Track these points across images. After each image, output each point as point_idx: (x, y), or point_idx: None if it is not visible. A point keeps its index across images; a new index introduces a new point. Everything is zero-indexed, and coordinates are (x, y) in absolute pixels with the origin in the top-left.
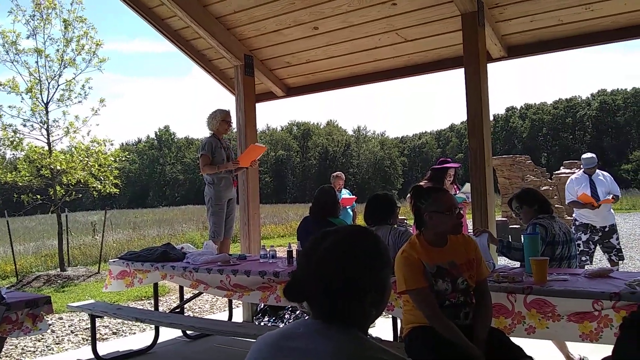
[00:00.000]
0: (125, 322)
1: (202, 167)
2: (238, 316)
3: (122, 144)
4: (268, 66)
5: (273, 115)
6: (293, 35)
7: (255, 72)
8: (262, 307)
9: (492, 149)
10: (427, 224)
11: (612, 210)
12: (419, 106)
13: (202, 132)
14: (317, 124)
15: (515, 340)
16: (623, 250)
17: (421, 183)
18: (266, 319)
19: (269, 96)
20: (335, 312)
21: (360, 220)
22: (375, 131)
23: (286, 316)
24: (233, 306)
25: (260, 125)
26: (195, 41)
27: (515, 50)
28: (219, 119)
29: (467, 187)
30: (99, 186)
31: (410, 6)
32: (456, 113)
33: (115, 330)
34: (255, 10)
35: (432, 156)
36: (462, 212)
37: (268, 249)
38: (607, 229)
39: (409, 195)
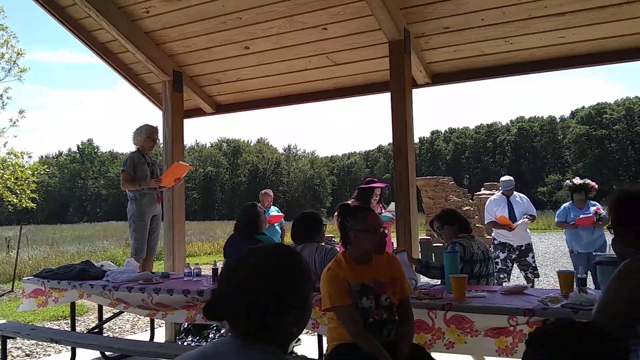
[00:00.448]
0: (40, 343)
1: (123, 183)
2: (160, 336)
3: (42, 156)
4: (197, 83)
5: (203, 131)
6: (224, 54)
7: (184, 88)
8: (185, 326)
9: (418, 170)
10: (353, 242)
11: (528, 230)
12: (349, 127)
13: (127, 146)
14: (248, 141)
15: (436, 355)
16: (538, 268)
17: (349, 202)
18: (190, 338)
19: (198, 112)
20: (257, 330)
21: (288, 238)
22: (306, 150)
23: (210, 335)
24: (155, 326)
25: (189, 141)
26: (123, 55)
27: (439, 78)
28: (144, 135)
29: (392, 206)
30: (15, 200)
31: (340, 31)
32: (384, 135)
33: (28, 352)
34: (186, 27)
35: (361, 176)
36: (386, 231)
37: (192, 267)
38: (523, 248)
39: (335, 213)
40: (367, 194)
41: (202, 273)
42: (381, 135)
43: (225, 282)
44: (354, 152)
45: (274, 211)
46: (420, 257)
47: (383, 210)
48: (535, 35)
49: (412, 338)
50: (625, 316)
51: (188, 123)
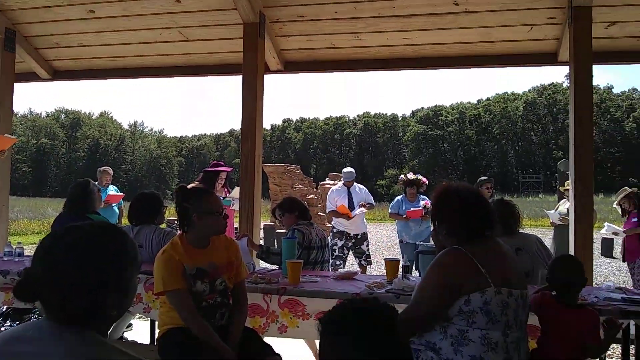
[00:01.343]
0: None
1: None
2: None
3: None
4: (33, 44)
5: (38, 99)
6: (65, 15)
7: (17, 48)
8: (4, 310)
9: (268, 156)
10: (195, 224)
11: (365, 220)
12: (201, 107)
13: None
14: (89, 113)
15: (270, 340)
16: (372, 255)
17: (192, 184)
18: (8, 323)
19: (32, 77)
20: (72, 312)
21: (126, 220)
22: (153, 128)
23: (33, 319)
24: None
25: (21, 109)
26: None
27: (291, 66)
28: None
29: (236, 191)
30: None
31: (194, 6)
32: (236, 119)
33: None
34: None
35: (210, 159)
36: (226, 214)
37: (15, 246)
38: (359, 236)
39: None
40: (213, 177)
41: (25, 253)
42: (234, 119)
43: (39, 262)
44: (205, 134)
45: (112, 190)
46: (262, 243)
47: (227, 195)
48: (383, 34)
49: (245, 322)
50: (438, 300)
51: (20, 88)
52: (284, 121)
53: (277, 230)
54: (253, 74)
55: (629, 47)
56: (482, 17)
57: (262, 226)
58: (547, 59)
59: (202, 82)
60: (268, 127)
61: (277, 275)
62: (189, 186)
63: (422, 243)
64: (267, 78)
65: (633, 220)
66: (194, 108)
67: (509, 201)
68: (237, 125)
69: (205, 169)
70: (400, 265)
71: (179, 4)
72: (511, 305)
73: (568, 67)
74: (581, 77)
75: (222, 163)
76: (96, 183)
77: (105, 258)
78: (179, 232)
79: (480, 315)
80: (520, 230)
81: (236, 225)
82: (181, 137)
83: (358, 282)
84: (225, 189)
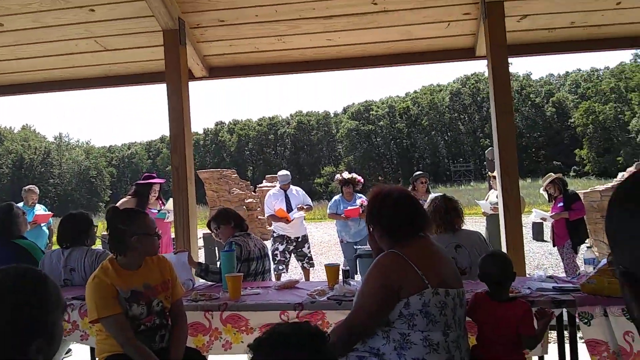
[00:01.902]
0: None
1: None
2: None
3: None
4: None
5: None
6: None
7: None
8: None
9: (203, 161)
10: (132, 247)
11: (304, 222)
12: (128, 115)
13: None
14: (10, 128)
15: (215, 357)
16: (314, 257)
17: (125, 199)
18: None
19: None
20: None
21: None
22: (80, 139)
23: None
24: None
25: None
26: None
27: (216, 72)
28: None
29: (171, 202)
30: None
31: (110, 15)
32: (167, 124)
33: None
34: None
35: (142, 167)
36: (160, 232)
37: None
38: (300, 239)
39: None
40: (145, 190)
41: None
42: (164, 124)
43: None
44: (135, 142)
45: (40, 210)
46: (201, 261)
47: (162, 207)
48: (305, 36)
49: (186, 341)
50: (378, 305)
51: None
52: (217, 124)
53: (217, 239)
54: (177, 82)
55: (541, 38)
56: (401, 16)
57: (201, 235)
58: (466, 54)
59: (128, 89)
60: (200, 132)
61: (217, 290)
62: (120, 202)
63: (360, 247)
64: (194, 84)
65: (559, 205)
66: (121, 116)
67: (452, 197)
68: (167, 131)
69: (137, 182)
70: (341, 270)
71: (94, 13)
72: (449, 305)
73: (485, 61)
74: (498, 70)
75: (154, 175)
76: (21, 204)
77: (26, 305)
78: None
79: (420, 318)
80: (463, 227)
81: (173, 235)
82: (110, 146)
83: (300, 290)
84: (160, 201)
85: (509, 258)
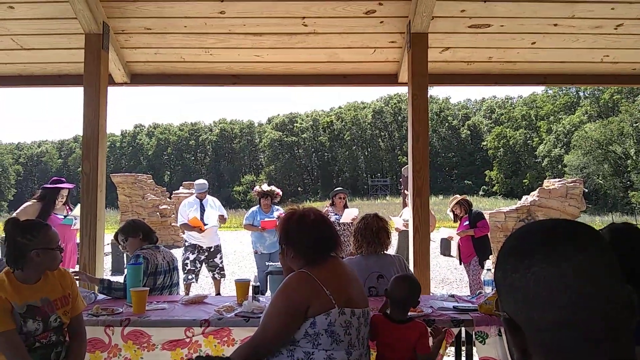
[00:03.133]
0: None
1: None
2: None
3: None
4: None
5: None
6: None
7: None
8: None
9: (118, 164)
10: (33, 261)
11: (217, 232)
12: (40, 113)
13: None
14: None
15: None
16: (227, 267)
17: (29, 202)
18: None
19: None
20: None
21: None
22: None
23: None
24: None
25: None
26: None
27: (138, 79)
28: None
29: (78, 209)
30: None
31: (30, 14)
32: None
33: None
34: None
35: (53, 167)
36: (62, 245)
37: None
38: (212, 250)
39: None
40: (52, 195)
41: None
42: (78, 124)
43: None
44: (46, 141)
45: None
46: (102, 278)
47: (69, 213)
48: (234, 50)
49: (83, 359)
50: (285, 325)
51: None
52: (136, 126)
53: (124, 251)
54: (95, 87)
55: (460, 70)
56: (329, 39)
57: (109, 241)
58: (389, 79)
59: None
60: (118, 133)
61: (120, 304)
62: (25, 206)
63: (271, 263)
64: (112, 90)
65: (465, 224)
66: (33, 113)
67: (382, 217)
68: (82, 131)
69: (44, 186)
70: (251, 286)
71: (13, 10)
72: (354, 324)
73: (407, 87)
74: (418, 99)
75: (63, 180)
76: None
77: None
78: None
79: (325, 337)
80: (386, 252)
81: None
82: (19, 143)
83: (208, 305)
84: (67, 207)
85: (418, 284)
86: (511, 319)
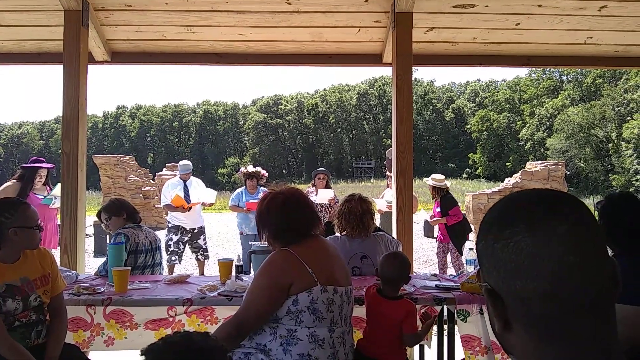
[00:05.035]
0: None
1: None
2: None
3: None
4: None
5: None
6: None
7: None
8: None
9: (100, 146)
10: (10, 240)
11: (201, 213)
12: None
13: None
14: None
15: (97, 354)
16: (212, 248)
17: (9, 182)
18: None
19: None
20: None
21: None
22: None
23: None
24: None
25: None
26: None
27: (119, 57)
28: None
29: (58, 189)
30: None
31: None
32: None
33: None
34: None
35: (34, 148)
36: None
37: None
38: (196, 231)
39: None
40: (31, 174)
41: None
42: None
43: None
44: (27, 122)
45: None
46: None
47: (49, 193)
48: (217, 29)
49: (64, 338)
50: (267, 302)
51: None
52: (118, 108)
53: (107, 230)
54: (75, 65)
55: (444, 50)
56: (313, 18)
57: (91, 222)
58: (373, 59)
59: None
60: (100, 115)
61: (102, 283)
62: (4, 186)
63: (255, 243)
64: (93, 67)
65: (437, 210)
66: (13, 93)
67: (366, 198)
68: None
69: (23, 165)
70: (234, 265)
71: None
72: (336, 302)
73: (391, 68)
74: (402, 79)
75: (43, 160)
76: None
77: None
78: None
79: (308, 314)
80: (373, 233)
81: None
82: None
83: (190, 285)
84: (47, 187)
85: (407, 261)
86: (493, 289)
